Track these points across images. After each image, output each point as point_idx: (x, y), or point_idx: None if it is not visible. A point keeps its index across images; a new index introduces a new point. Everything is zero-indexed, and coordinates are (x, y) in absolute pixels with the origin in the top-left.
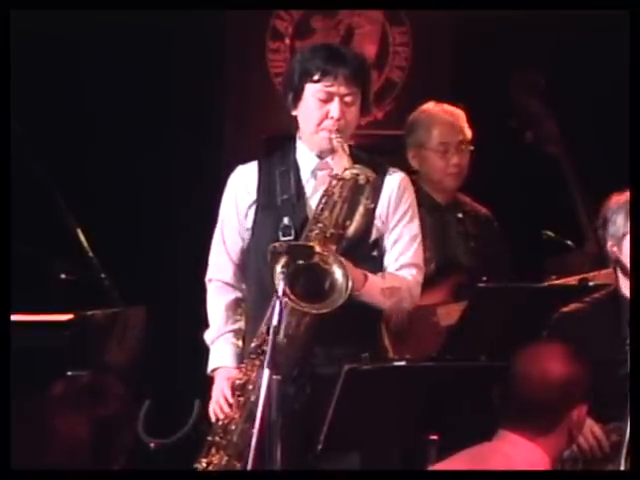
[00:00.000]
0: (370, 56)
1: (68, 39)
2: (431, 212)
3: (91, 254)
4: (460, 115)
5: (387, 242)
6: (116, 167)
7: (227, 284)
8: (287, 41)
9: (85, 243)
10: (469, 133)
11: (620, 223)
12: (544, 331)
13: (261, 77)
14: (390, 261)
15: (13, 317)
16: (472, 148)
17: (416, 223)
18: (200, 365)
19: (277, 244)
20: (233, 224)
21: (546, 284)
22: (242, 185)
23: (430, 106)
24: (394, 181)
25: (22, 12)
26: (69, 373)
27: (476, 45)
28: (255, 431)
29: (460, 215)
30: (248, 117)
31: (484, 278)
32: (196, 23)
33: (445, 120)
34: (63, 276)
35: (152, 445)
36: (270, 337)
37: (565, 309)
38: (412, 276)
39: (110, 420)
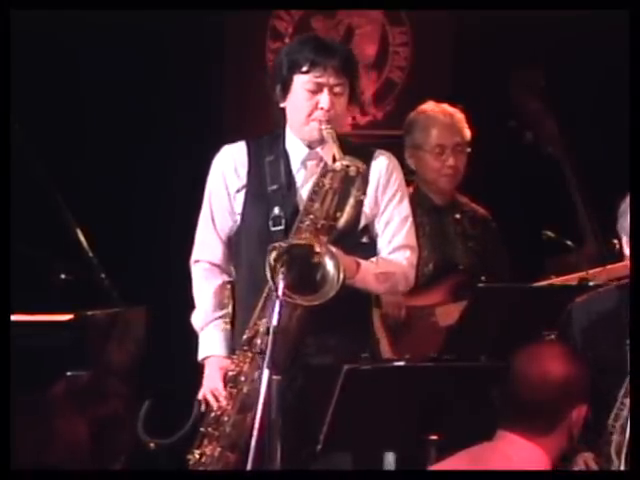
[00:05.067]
0: (370, 56)
1: (68, 39)
2: (429, 213)
3: (91, 254)
4: (458, 116)
5: (378, 225)
6: (116, 167)
7: (215, 266)
8: (287, 41)
9: (85, 243)
10: (467, 134)
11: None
12: (555, 325)
13: (261, 77)
14: (383, 244)
15: (13, 317)
16: (469, 150)
17: (406, 204)
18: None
19: (277, 244)
20: (223, 204)
21: (546, 284)
22: (231, 166)
23: (429, 107)
24: (381, 164)
25: (22, 12)
26: (69, 373)
27: (476, 45)
28: (255, 431)
29: (458, 216)
30: (248, 117)
31: (483, 278)
32: (196, 23)
33: (443, 122)
34: (63, 276)
35: (152, 445)
36: (270, 337)
37: (578, 299)
38: (406, 259)
39: (110, 420)
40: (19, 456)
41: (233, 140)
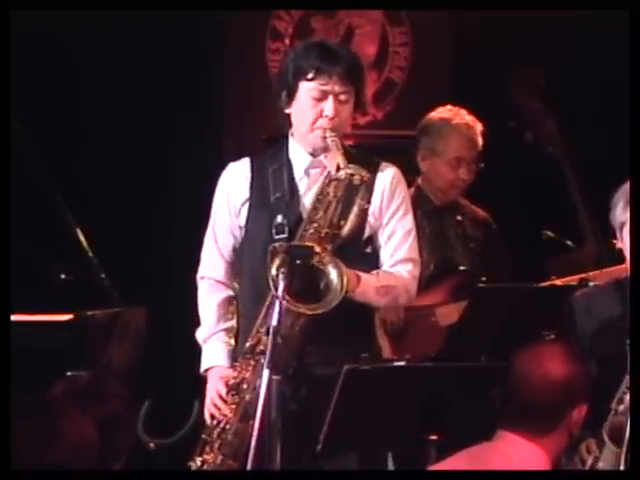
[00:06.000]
0: (370, 56)
1: (68, 39)
2: (429, 214)
3: (91, 254)
4: (478, 128)
5: (381, 238)
6: (116, 168)
7: (219, 282)
8: (287, 41)
9: (85, 243)
10: (481, 147)
11: (619, 212)
12: (555, 325)
13: (261, 77)
14: (386, 257)
15: (13, 317)
16: (481, 163)
17: (409, 217)
18: (200, 366)
19: (277, 244)
20: (225, 222)
21: (546, 284)
22: (235, 182)
23: (450, 114)
24: (386, 176)
25: (22, 12)
26: (69, 373)
27: (476, 45)
28: (255, 432)
29: (459, 217)
30: (248, 117)
31: (483, 278)
32: (196, 23)
33: (465, 134)
34: (63, 276)
35: (152, 445)
36: (270, 338)
37: (578, 293)
38: (407, 272)
39: (110, 420)
40: (18, 456)
41: (233, 139)
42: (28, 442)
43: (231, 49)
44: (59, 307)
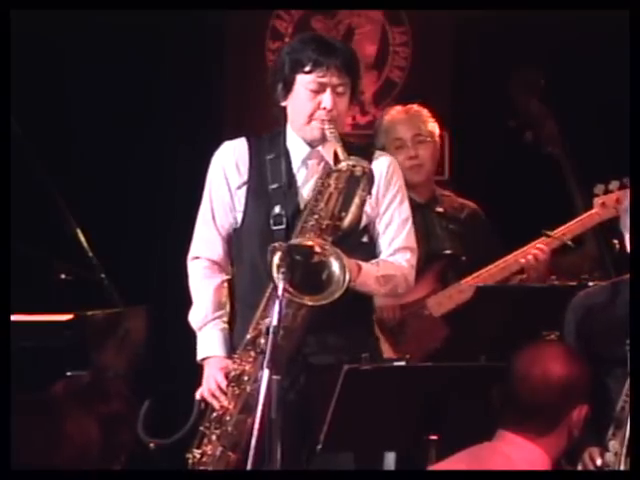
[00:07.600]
0: (370, 56)
1: (68, 39)
2: (413, 213)
3: (91, 254)
4: (417, 112)
5: (379, 227)
6: (117, 168)
7: (215, 263)
8: (287, 41)
9: (85, 243)
10: (428, 127)
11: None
12: (555, 325)
13: (261, 77)
14: (384, 246)
15: (13, 317)
16: (431, 140)
17: (406, 206)
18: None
19: (277, 244)
20: (224, 200)
21: (546, 284)
22: (231, 162)
23: (388, 111)
24: (381, 165)
25: (22, 12)
26: (69, 373)
27: (476, 45)
28: (255, 431)
29: (440, 209)
30: (248, 117)
31: (463, 258)
32: (196, 23)
33: (398, 118)
34: (63, 276)
35: (152, 445)
36: (270, 337)
37: (580, 293)
38: (406, 261)
39: (111, 419)
40: (19, 456)
41: (233, 139)
42: (28, 442)
43: (231, 49)
44: (59, 307)
